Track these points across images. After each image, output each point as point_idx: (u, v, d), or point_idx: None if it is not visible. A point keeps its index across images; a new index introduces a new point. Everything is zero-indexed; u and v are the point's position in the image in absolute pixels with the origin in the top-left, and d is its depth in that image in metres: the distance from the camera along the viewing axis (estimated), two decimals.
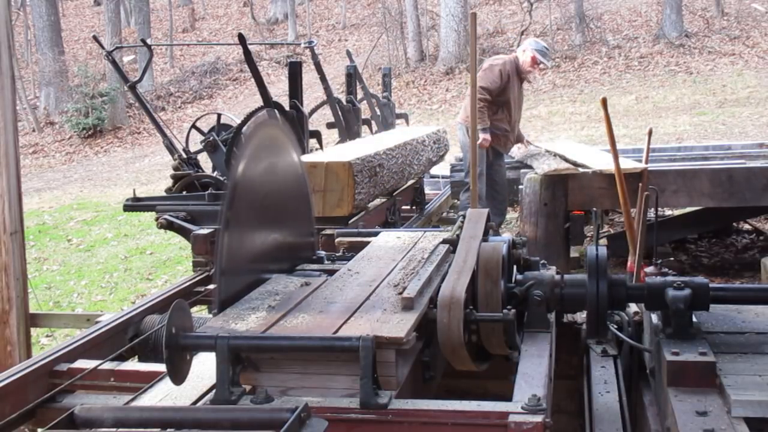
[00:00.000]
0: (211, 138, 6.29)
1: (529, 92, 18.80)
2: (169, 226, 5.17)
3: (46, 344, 5.95)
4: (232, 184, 2.44)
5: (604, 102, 4.24)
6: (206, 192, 5.33)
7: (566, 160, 6.03)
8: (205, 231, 4.90)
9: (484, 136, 6.72)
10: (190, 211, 5.21)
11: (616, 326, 2.91)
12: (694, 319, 2.50)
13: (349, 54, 8.90)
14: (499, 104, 7.01)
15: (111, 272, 8.27)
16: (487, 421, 1.96)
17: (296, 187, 2.97)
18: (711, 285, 2.51)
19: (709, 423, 2.03)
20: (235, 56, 24.14)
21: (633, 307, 2.99)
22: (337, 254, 3.31)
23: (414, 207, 6.77)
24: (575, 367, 3.27)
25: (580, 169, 5.72)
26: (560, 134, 14.29)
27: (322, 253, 3.17)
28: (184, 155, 6.11)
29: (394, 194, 5.88)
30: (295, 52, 23.52)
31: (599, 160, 5.95)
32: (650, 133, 5.27)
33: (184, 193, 5.67)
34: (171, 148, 6.21)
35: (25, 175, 13.20)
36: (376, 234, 3.58)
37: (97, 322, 4.14)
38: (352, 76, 7.82)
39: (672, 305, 2.44)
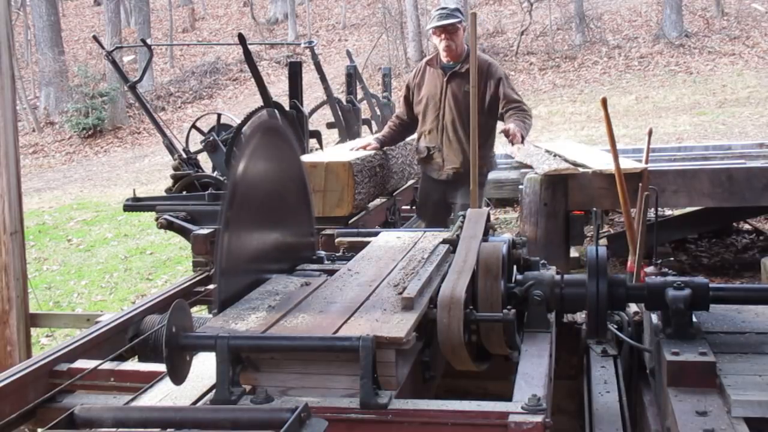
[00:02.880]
0: (211, 138, 6.27)
1: (529, 92, 18.83)
2: (169, 226, 5.15)
3: (46, 344, 5.95)
4: (232, 184, 2.44)
5: (604, 102, 4.23)
6: (206, 192, 5.31)
7: (566, 160, 6.02)
8: (205, 231, 4.89)
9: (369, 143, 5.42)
10: (190, 211, 5.19)
11: (616, 326, 2.91)
12: (694, 319, 2.51)
13: (349, 54, 8.87)
14: (420, 117, 5.39)
15: (111, 272, 8.28)
16: (487, 421, 1.96)
17: (296, 187, 2.98)
18: (711, 285, 2.51)
19: (709, 423, 2.03)
20: (235, 56, 24.14)
21: (633, 307, 2.99)
22: (337, 254, 3.31)
23: (414, 207, 6.70)
24: (575, 367, 3.28)
25: (580, 169, 5.71)
26: (560, 134, 14.29)
27: (322, 253, 3.17)
28: (184, 155, 6.10)
29: (394, 194, 5.86)
30: (295, 52, 23.52)
31: (599, 160, 5.95)
32: (650, 133, 5.26)
33: (184, 193, 5.65)
34: (171, 148, 6.19)
35: (25, 175, 13.20)
36: (376, 234, 3.58)
37: (97, 322, 4.14)
38: (352, 76, 7.78)
39: (672, 305, 2.44)
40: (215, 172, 6.05)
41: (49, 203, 13.05)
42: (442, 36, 5.15)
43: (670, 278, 2.54)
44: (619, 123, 14.16)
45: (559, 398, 2.96)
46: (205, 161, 6.56)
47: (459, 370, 2.45)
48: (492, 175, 6.86)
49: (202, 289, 4.63)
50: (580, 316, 3.27)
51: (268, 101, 5.49)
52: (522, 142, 5.07)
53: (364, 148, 5.29)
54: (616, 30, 21.92)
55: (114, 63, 6.66)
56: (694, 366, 2.25)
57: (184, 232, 5.15)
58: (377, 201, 5.43)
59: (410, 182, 6.33)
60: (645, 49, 20.31)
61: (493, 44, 21.04)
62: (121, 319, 4.10)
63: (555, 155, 6.27)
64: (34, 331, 5.61)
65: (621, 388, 2.77)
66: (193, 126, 6.95)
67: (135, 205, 5.57)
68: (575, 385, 3.23)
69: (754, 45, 19.83)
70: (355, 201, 4.65)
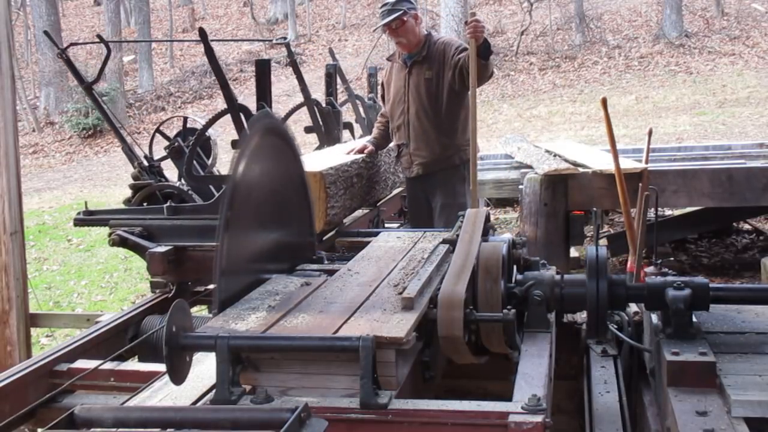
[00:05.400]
0: (176, 144, 5.61)
1: (529, 92, 18.83)
2: (122, 243, 4.61)
3: (46, 344, 5.96)
4: (232, 184, 2.44)
5: (604, 102, 4.23)
6: (165, 205, 4.72)
7: (566, 160, 6.02)
8: (162, 249, 4.42)
9: (365, 146, 5.19)
10: (147, 225, 4.63)
11: (616, 326, 2.91)
12: (694, 319, 2.51)
13: (331, 52, 8.14)
14: (390, 116, 5.23)
15: (111, 272, 8.28)
16: (487, 421, 1.96)
17: (296, 186, 2.98)
18: (711, 285, 2.51)
19: (709, 423, 2.03)
20: (235, 56, 24.15)
21: (633, 307, 3.00)
22: (337, 254, 3.31)
23: (402, 217, 6.18)
24: (575, 367, 3.28)
25: (580, 169, 5.71)
26: (560, 134, 14.28)
27: (322, 253, 3.17)
28: (145, 163, 5.45)
29: (378, 205, 5.37)
30: (295, 51, 23.48)
31: (599, 160, 5.95)
32: (650, 133, 5.27)
33: (145, 205, 5.06)
34: (130, 154, 5.46)
35: (25, 175, 13.18)
36: (376, 234, 3.58)
37: (97, 322, 4.15)
38: (332, 76, 7.13)
39: (672, 305, 2.44)
40: (180, 181, 5.36)
41: (49, 203, 13.05)
42: (390, 34, 5.00)
43: (670, 278, 2.54)
44: (619, 123, 14.15)
45: (559, 398, 2.97)
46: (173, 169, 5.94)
47: (459, 370, 2.45)
48: (492, 175, 6.85)
49: (202, 290, 4.63)
50: (580, 316, 3.27)
51: (232, 103, 4.88)
52: (483, 44, 4.58)
53: (361, 151, 5.05)
54: (616, 30, 21.91)
55: (68, 61, 5.79)
56: (694, 366, 2.25)
57: (139, 250, 4.61)
58: (358, 212, 4.99)
59: (396, 191, 5.93)
60: (645, 49, 20.31)
61: (493, 44, 21.00)
62: (121, 319, 4.12)
63: (555, 155, 6.27)
64: (34, 331, 5.61)
65: (621, 388, 2.77)
66: (157, 130, 6.22)
67: (87, 219, 4.93)
68: (575, 385, 3.23)
69: (754, 45, 19.82)
70: (327, 216, 4.16)
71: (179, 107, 22.03)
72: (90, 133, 20.16)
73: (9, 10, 5.16)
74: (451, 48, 4.88)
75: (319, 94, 7.21)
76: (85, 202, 5.31)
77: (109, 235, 4.63)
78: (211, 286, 4.26)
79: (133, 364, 3.73)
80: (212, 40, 4.89)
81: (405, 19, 4.84)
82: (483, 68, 4.62)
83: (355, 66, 20.54)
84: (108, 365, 3.40)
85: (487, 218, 2.89)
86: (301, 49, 24.34)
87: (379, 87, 5.37)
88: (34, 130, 20.89)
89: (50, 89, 21.89)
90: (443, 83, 4.88)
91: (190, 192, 5.03)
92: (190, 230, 4.49)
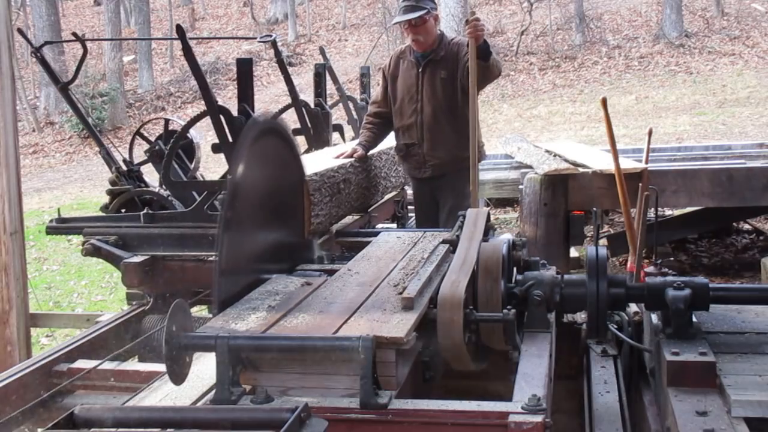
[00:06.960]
0: (157, 147, 5.32)
1: (529, 92, 18.83)
2: (96, 252, 4.37)
3: (46, 344, 5.96)
4: (231, 185, 2.45)
5: (604, 102, 4.22)
6: (141, 212, 4.51)
7: (566, 160, 6.02)
8: (138, 259, 4.23)
9: (355, 149, 4.92)
10: (123, 234, 4.40)
11: (616, 326, 2.91)
12: (694, 319, 2.51)
13: (322, 51, 7.81)
14: (396, 114, 5.04)
15: (111, 272, 8.27)
16: (487, 421, 1.96)
17: (296, 186, 2.98)
18: (711, 285, 2.51)
19: (709, 423, 2.03)
20: (235, 56, 24.13)
21: (633, 307, 3.00)
22: (336, 254, 3.31)
23: (396, 222, 5.99)
24: (575, 367, 3.28)
25: (580, 169, 5.71)
26: (560, 134, 14.28)
27: (323, 253, 3.18)
28: (124, 167, 5.19)
29: (369, 211, 5.09)
30: (295, 51, 23.51)
31: (599, 160, 5.95)
32: (650, 133, 5.26)
33: (123, 211, 4.85)
34: (108, 159, 5.18)
35: (25, 175, 13.19)
36: (376, 234, 3.58)
37: (97, 322, 4.16)
38: (322, 76, 6.81)
39: (672, 305, 2.44)
40: (162, 187, 5.08)
41: (49, 203, 13.05)
42: (409, 30, 4.81)
43: (670, 278, 2.54)
44: (619, 123, 14.15)
45: (559, 398, 2.97)
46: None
47: (459, 370, 2.45)
48: (492, 175, 6.85)
49: (202, 290, 4.62)
50: (580, 316, 3.27)
51: (211, 104, 4.64)
52: (483, 45, 4.49)
53: (351, 155, 4.80)
54: (616, 30, 21.92)
55: (43, 61, 5.44)
56: (694, 366, 2.25)
57: (113, 260, 4.39)
58: (348, 219, 4.72)
59: (388, 196, 5.65)
60: (645, 49, 20.31)
61: (493, 44, 20.97)
62: (121, 319, 4.12)
63: (555, 155, 6.27)
64: (34, 331, 5.61)
65: (621, 388, 2.77)
66: (137, 133, 5.93)
67: (60, 227, 4.72)
68: (575, 385, 3.23)
69: (754, 45, 19.83)
70: (311, 225, 3.80)
71: (179, 107, 22.04)
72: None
73: (9, 10, 5.16)
74: (463, 48, 4.80)
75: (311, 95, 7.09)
76: (58, 209, 5.10)
77: (82, 244, 4.43)
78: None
79: (133, 364, 3.73)
80: (191, 38, 4.73)
81: (427, 18, 4.77)
82: (484, 69, 4.57)
83: (355, 66, 20.51)
84: (108, 365, 3.40)
85: (488, 218, 2.89)
86: (301, 49, 24.35)
87: (380, 80, 5.15)
88: (34, 130, 20.89)
89: (50, 89, 21.85)
90: (457, 83, 4.81)
91: (170, 198, 4.82)
92: (167, 239, 4.33)
